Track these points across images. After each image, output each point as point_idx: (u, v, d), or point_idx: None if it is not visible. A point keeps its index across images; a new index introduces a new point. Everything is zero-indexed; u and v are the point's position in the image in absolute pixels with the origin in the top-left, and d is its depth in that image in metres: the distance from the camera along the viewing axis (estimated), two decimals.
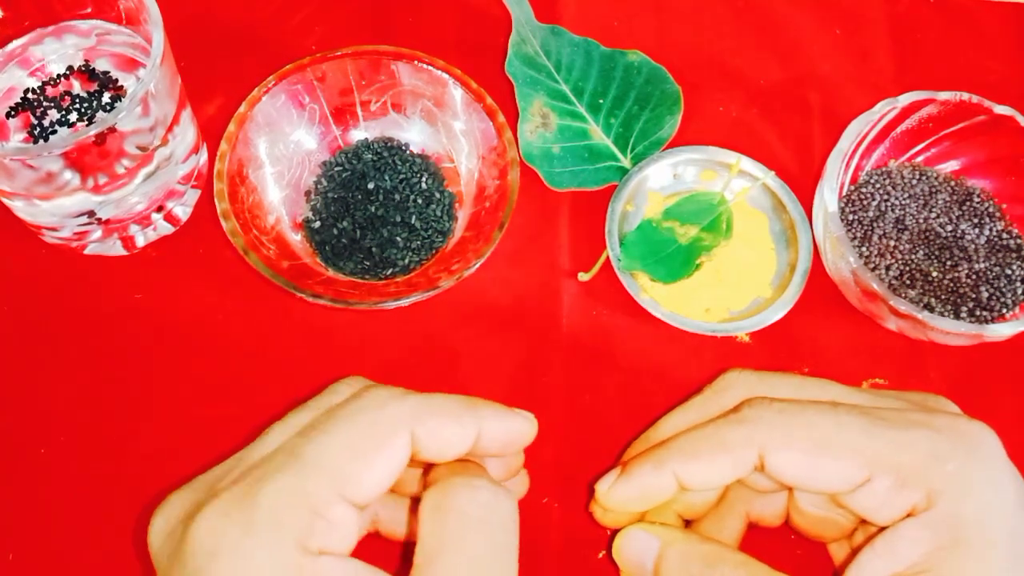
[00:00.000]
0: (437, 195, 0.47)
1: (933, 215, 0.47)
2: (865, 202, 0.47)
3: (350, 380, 0.34)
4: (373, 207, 0.46)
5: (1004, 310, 0.44)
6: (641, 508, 0.36)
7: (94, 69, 0.45)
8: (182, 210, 0.47)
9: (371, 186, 0.46)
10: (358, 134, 0.49)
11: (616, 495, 0.35)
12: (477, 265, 0.43)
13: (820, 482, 0.33)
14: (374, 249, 0.46)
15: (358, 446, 0.30)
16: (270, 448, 0.31)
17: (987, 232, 0.46)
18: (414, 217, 0.46)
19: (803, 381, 0.36)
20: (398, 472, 0.30)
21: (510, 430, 0.33)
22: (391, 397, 0.31)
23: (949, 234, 0.46)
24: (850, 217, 0.47)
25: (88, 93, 0.44)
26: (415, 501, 0.35)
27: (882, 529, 0.32)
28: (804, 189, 0.48)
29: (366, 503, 0.30)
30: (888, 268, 0.46)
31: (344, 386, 0.33)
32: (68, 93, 0.44)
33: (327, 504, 0.29)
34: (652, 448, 0.35)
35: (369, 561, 0.29)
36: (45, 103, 0.44)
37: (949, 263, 0.45)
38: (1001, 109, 0.46)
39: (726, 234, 0.47)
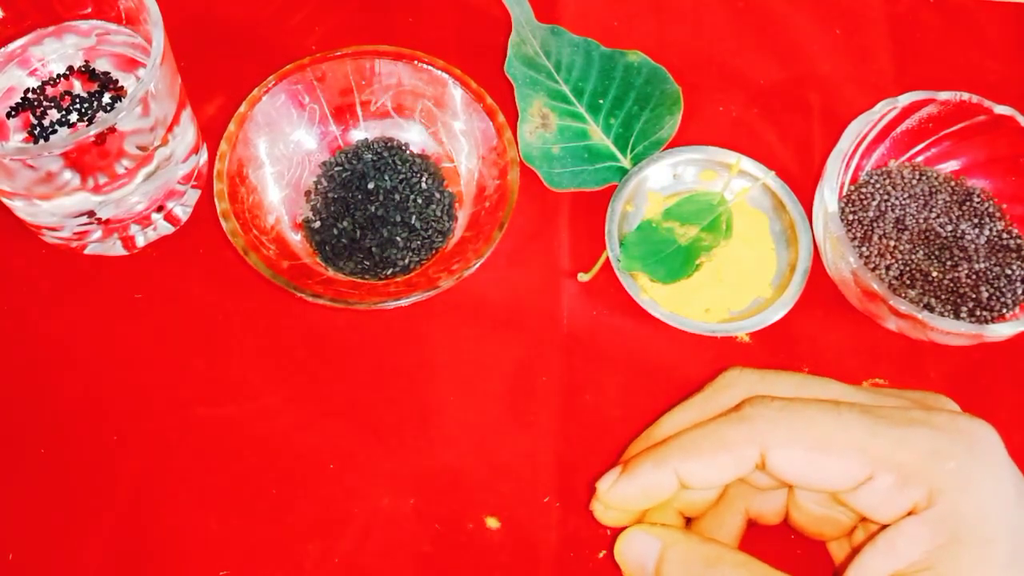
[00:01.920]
0: (437, 195, 0.47)
1: (933, 215, 0.47)
2: (865, 202, 0.47)
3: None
4: (373, 207, 0.46)
5: (1004, 310, 0.44)
6: (642, 506, 0.36)
7: (94, 69, 0.45)
8: (182, 210, 0.47)
9: (371, 186, 0.46)
10: (358, 134, 0.49)
11: (617, 493, 0.35)
12: (477, 265, 0.43)
13: (821, 480, 0.33)
14: (374, 249, 0.46)
15: None
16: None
17: (987, 232, 0.46)
18: (414, 217, 0.46)
19: (804, 379, 0.36)
20: None
21: None
22: None
23: (949, 234, 0.46)
24: (850, 217, 0.47)
25: (88, 93, 0.44)
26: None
27: (883, 527, 0.32)
28: (804, 189, 0.48)
29: None
30: (888, 268, 0.46)
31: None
32: (68, 93, 0.44)
33: None
34: (653, 446, 0.35)
35: None
36: (45, 103, 0.44)
37: (949, 263, 0.45)
38: (1001, 109, 0.46)
39: (726, 234, 0.47)
